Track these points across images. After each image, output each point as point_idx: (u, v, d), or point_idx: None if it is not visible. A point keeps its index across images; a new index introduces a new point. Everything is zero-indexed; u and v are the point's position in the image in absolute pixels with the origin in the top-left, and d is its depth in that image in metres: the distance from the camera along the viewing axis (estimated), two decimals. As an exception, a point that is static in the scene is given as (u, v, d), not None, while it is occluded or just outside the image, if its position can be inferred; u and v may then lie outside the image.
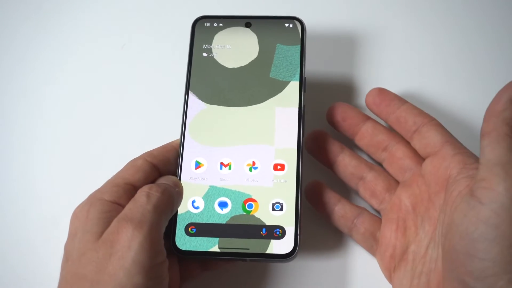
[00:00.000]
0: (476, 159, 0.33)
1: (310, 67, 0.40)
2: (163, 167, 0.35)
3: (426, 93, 0.42)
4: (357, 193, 0.38)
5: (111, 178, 0.33)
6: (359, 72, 0.43)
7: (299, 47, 0.38)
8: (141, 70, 0.44)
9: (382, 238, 0.36)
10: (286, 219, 0.34)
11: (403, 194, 0.36)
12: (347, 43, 0.44)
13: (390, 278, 0.35)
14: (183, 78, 0.38)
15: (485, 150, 0.29)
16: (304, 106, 0.37)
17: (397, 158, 0.37)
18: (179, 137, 0.37)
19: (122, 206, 0.31)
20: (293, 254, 0.33)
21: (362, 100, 0.41)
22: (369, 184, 0.37)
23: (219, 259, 0.34)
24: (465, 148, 0.34)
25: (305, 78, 0.37)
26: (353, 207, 0.37)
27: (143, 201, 0.31)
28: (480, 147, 0.29)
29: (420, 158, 0.36)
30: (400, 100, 0.37)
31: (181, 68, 0.40)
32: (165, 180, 0.34)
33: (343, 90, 0.42)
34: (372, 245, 0.36)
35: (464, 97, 0.42)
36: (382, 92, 0.38)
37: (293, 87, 0.37)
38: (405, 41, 0.44)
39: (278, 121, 0.36)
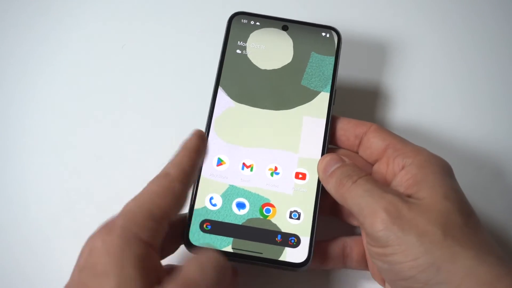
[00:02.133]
0: (412, 154, 0.33)
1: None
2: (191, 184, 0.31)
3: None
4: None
5: (145, 199, 0.28)
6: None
7: (333, 58, 0.38)
8: (141, 70, 0.44)
9: (368, 254, 0.35)
10: (302, 228, 0.34)
11: None
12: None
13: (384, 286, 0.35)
14: (183, 78, 0.37)
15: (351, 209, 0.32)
16: (331, 118, 0.37)
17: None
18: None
19: (155, 250, 0.28)
20: (306, 264, 0.33)
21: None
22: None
23: (231, 260, 0.34)
24: (406, 146, 0.34)
25: (335, 90, 0.37)
26: (335, 243, 0.36)
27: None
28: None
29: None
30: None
31: (181, 68, 0.39)
32: None
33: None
34: (366, 264, 0.36)
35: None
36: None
37: (323, 98, 0.37)
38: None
39: (304, 129, 0.36)
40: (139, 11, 0.46)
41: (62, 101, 0.43)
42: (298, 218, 0.34)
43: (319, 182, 0.35)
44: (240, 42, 0.38)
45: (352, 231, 0.38)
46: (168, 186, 0.29)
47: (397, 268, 0.29)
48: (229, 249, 0.33)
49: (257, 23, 0.39)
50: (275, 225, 0.34)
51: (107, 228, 0.27)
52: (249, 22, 0.39)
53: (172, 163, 0.30)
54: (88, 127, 0.42)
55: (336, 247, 0.36)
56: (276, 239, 0.34)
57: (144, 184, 0.30)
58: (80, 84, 0.44)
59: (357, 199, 0.31)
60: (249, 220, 0.34)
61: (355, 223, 0.37)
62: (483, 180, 0.41)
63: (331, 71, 0.38)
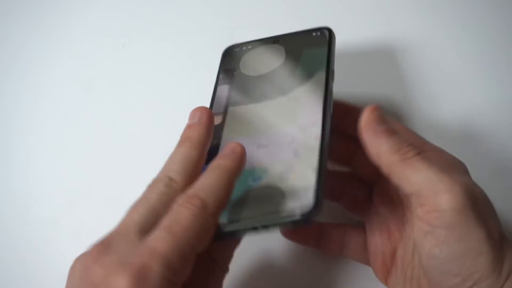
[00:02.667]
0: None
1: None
2: None
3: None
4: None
5: (182, 238, 0.25)
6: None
7: (326, 48, 0.37)
8: (141, 70, 0.44)
9: (370, 247, 0.34)
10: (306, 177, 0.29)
11: (378, 198, 0.35)
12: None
13: (386, 285, 0.34)
14: (183, 77, 0.37)
15: (402, 178, 0.29)
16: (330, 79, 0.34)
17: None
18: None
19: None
20: (314, 213, 0.27)
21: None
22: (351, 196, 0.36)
23: (228, 236, 0.29)
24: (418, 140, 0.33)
25: (333, 70, 0.35)
26: (336, 228, 0.36)
27: None
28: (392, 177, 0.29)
29: None
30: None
31: (181, 67, 0.39)
32: None
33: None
34: (366, 257, 0.35)
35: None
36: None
37: (319, 76, 0.35)
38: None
39: (302, 103, 0.34)
40: (140, 11, 0.47)
41: (63, 101, 0.43)
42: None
43: (323, 136, 0.31)
44: (233, 66, 0.38)
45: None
46: (205, 223, 0.26)
47: (456, 262, 0.28)
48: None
49: (249, 46, 0.40)
50: (274, 184, 0.30)
51: (140, 272, 0.23)
52: (241, 48, 0.39)
53: (208, 189, 0.26)
54: (88, 127, 0.42)
55: (335, 231, 0.35)
56: (274, 195, 0.29)
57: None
58: (80, 84, 0.44)
59: (425, 172, 0.28)
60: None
61: (357, 212, 0.36)
62: (483, 179, 0.41)
63: (325, 57, 0.36)
